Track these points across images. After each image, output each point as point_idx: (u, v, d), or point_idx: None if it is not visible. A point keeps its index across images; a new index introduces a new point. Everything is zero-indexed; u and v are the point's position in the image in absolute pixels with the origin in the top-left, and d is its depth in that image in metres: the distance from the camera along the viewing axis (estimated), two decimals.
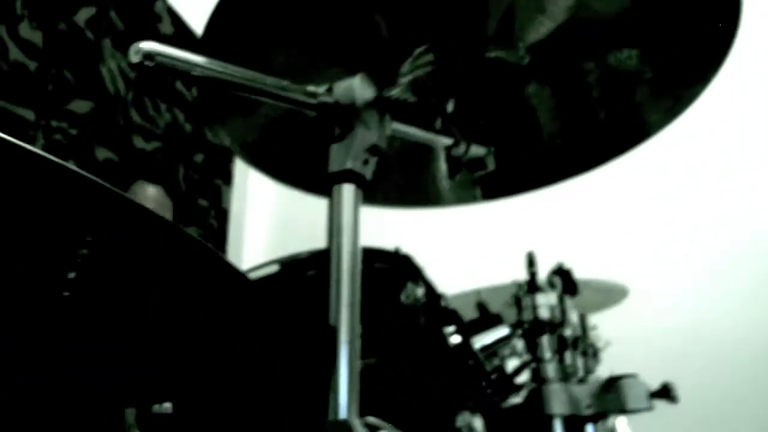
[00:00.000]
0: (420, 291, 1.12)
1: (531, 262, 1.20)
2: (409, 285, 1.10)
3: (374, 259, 1.09)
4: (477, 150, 1.00)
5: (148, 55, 0.51)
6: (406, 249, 1.09)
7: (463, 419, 1.02)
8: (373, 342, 1.01)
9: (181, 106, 2.84)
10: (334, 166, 0.68)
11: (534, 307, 1.14)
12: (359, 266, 0.66)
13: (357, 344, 0.65)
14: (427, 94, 0.99)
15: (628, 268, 2.33)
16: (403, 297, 1.08)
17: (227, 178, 3.09)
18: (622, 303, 2.12)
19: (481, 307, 1.15)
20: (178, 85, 2.84)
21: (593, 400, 1.11)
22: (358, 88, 0.68)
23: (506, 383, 1.20)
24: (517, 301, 1.17)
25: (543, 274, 2.22)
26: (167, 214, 1.93)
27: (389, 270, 1.08)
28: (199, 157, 2.94)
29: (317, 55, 1.02)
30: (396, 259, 1.10)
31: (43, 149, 2.20)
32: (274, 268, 1.04)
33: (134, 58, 0.50)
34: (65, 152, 2.29)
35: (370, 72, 1.00)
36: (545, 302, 1.15)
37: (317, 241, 2.81)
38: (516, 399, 1.20)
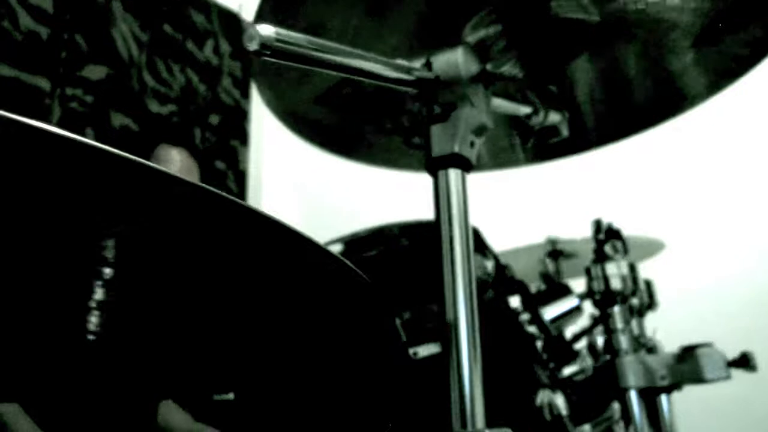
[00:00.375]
0: (489, 264, 1.08)
1: (598, 228, 1.15)
2: (478, 258, 1.05)
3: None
4: (553, 117, 0.94)
5: (266, 44, 0.44)
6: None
7: (542, 397, 0.98)
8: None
9: (194, 67, 2.76)
10: (437, 149, 0.62)
11: (605, 278, 1.10)
12: (473, 259, 0.61)
13: (478, 344, 0.60)
14: (494, 59, 0.92)
15: (663, 223, 2.29)
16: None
17: (243, 138, 3.02)
18: (657, 257, 2.08)
19: (548, 277, 1.10)
20: (190, 45, 2.75)
21: (668, 371, 1.07)
22: (462, 61, 0.62)
23: (565, 350, 1.16)
24: (587, 271, 1.13)
25: (577, 233, 2.18)
26: (193, 176, 1.88)
27: None
28: (214, 119, 2.87)
29: (376, 21, 0.95)
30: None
31: (60, 118, 2.13)
32: (337, 248, 0.99)
33: (250, 46, 0.44)
34: (82, 120, 2.22)
35: (433, 37, 0.94)
36: (616, 272, 1.10)
37: (335, 199, 2.76)
38: (576, 369, 1.17)
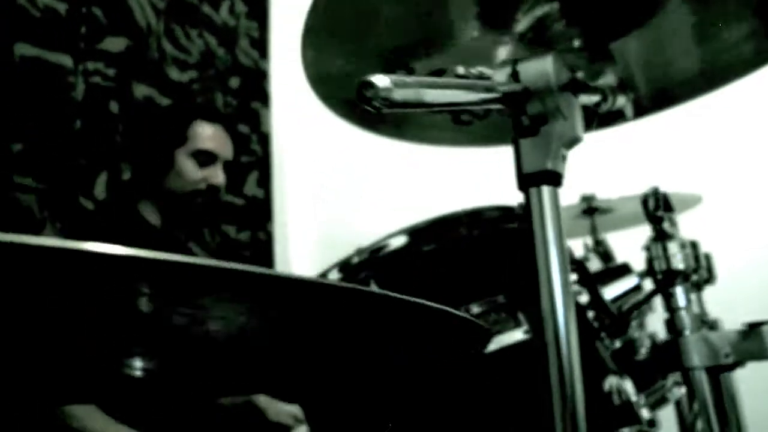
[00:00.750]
0: None
1: (656, 203, 1.11)
2: None
3: (503, 220, 1.02)
4: (620, 101, 0.90)
5: (386, 97, 0.42)
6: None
7: (610, 383, 0.97)
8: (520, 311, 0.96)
9: (212, 31, 2.69)
10: (527, 165, 0.59)
11: (666, 257, 1.07)
12: (570, 278, 0.59)
13: (577, 366, 0.59)
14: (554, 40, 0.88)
15: (700, 177, 2.25)
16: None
17: (264, 99, 2.98)
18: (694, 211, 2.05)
19: (606, 256, 1.08)
20: (206, 8, 2.68)
21: (732, 349, 1.06)
22: (553, 70, 0.59)
23: (619, 322, 1.15)
24: (647, 249, 1.10)
25: (614, 193, 2.15)
26: (227, 152, 1.86)
27: (522, 229, 1.01)
28: (234, 82, 2.82)
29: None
30: (522, 215, 1.02)
31: (85, 94, 2.10)
32: (402, 240, 0.97)
33: (374, 104, 0.41)
34: (106, 94, 2.18)
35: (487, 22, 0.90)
36: (678, 251, 1.07)
37: (360, 167, 2.71)
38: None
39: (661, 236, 1.09)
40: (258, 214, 2.85)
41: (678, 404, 1.49)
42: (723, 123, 2.39)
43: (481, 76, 0.62)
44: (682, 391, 1.26)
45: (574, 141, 0.60)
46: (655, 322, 1.27)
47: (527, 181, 0.59)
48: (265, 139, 2.94)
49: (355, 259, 0.97)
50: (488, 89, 0.58)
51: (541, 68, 0.59)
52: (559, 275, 0.58)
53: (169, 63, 2.47)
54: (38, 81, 1.96)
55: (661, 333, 1.14)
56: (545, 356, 0.58)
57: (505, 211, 1.04)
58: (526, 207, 0.60)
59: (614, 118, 0.94)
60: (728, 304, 1.26)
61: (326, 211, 2.94)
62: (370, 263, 0.96)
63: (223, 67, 2.75)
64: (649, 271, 1.10)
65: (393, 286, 0.96)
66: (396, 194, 2.80)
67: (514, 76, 0.60)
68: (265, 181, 2.90)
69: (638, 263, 1.16)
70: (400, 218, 2.85)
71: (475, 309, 0.95)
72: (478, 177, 2.22)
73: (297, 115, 2.98)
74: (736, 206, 2.35)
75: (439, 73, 1.05)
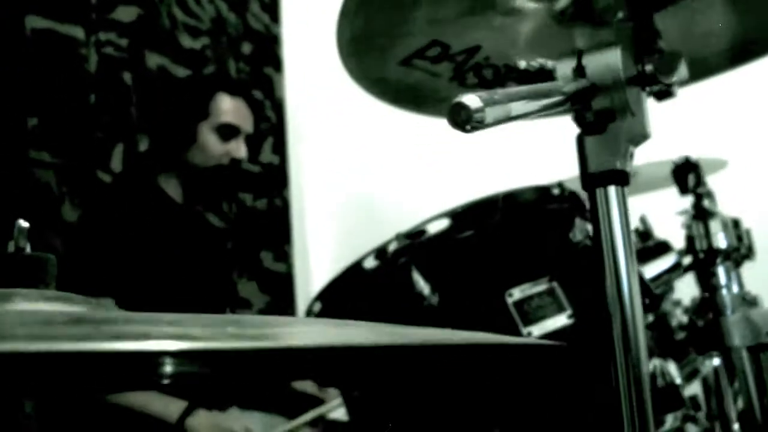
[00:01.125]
0: (590, 226, 1.04)
1: (698, 177, 1.08)
2: (578, 222, 1.01)
3: (544, 201, 0.99)
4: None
5: (478, 119, 0.39)
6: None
7: (654, 364, 0.96)
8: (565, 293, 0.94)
9: None
10: (594, 164, 0.57)
11: (708, 236, 1.05)
12: (637, 281, 0.57)
13: (647, 376, 0.57)
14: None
15: (725, 142, 2.20)
16: (577, 235, 0.99)
17: (277, 65, 2.92)
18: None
19: (645, 235, 1.06)
20: None
21: None
22: (622, 64, 0.56)
23: (656, 300, 1.14)
24: (688, 227, 1.08)
25: (640, 159, 2.11)
26: (249, 125, 1.83)
27: (560, 210, 0.99)
28: (246, 48, 2.77)
29: None
30: (565, 197, 1.00)
31: (98, 66, 2.06)
32: (442, 225, 0.95)
33: (467, 127, 0.39)
34: (119, 65, 2.14)
35: None
36: (719, 229, 1.05)
37: (376, 131, 2.66)
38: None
39: (701, 214, 1.07)
40: (274, 182, 2.82)
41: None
42: (748, 87, 2.33)
43: (542, 69, 0.59)
44: (715, 363, 1.25)
45: (642, 138, 0.58)
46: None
47: (593, 181, 0.57)
48: (279, 105, 2.89)
49: (392, 246, 0.95)
50: (561, 92, 0.55)
51: (609, 62, 0.56)
52: (628, 281, 0.56)
53: (181, 30, 2.42)
54: (51, 54, 1.92)
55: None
56: (611, 362, 0.57)
57: (542, 192, 1.02)
58: (592, 208, 0.57)
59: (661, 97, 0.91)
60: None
61: (342, 176, 2.91)
62: (409, 249, 0.94)
63: (235, 32, 2.70)
64: (689, 249, 1.08)
65: (433, 272, 0.95)
66: (412, 159, 2.76)
67: (580, 70, 0.57)
68: (281, 147, 2.87)
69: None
70: (417, 183, 2.83)
71: (517, 294, 0.93)
72: (501, 149, 2.18)
73: (310, 80, 2.93)
74: (763, 171, 2.31)
75: (475, 50, 1.02)
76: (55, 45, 1.92)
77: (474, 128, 0.41)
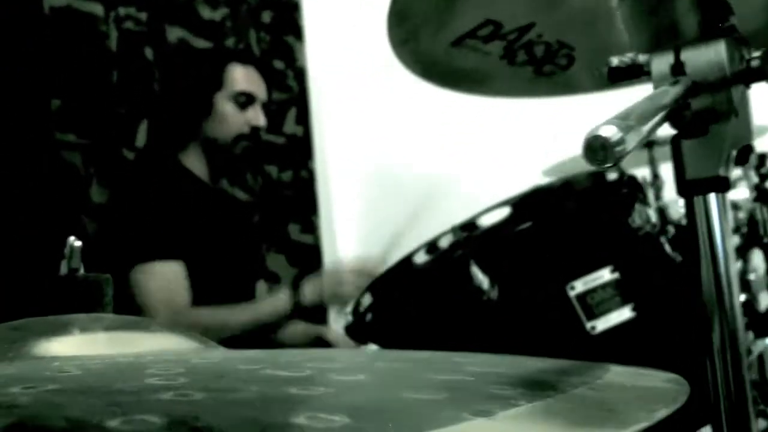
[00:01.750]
0: (651, 212, 0.99)
1: (761, 161, 1.04)
2: (638, 206, 0.96)
3: (601, 187, 0.95)
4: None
5: (621, 155, 0.35)
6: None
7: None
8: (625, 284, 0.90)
9: None
10: (692, 170, 0.52)
11: None
12: (739, 300, 0.53)
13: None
14: None
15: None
16: (636, 221, 0.94)
17: (298, 33, 2.85)
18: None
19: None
20: None
21: None
22: (728, 60, 0.50)
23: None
24: (751, 213, 1.03)
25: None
26: (263, 92, 1.80)
27: (619, 195, 0.94)
28: (266, 16, 2.70)
29: None
30: (625, 183, 0.95)
31: (119, 42, 2.01)
32: (498, 217, 0.90)
33: (607, 162, 0.35)
34: (139, 39, 2.09)
35: None
36: None
37: (400, 101, 2.59)
38: None
39: (762, 197, 1.02)
40: (299, 153, 2.78)
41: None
42: None
43: (634, 64, 0.54)
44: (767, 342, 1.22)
45: (745, 140, 0.53)
46: None
47: (691, 188, 0.52)
48: (300, 75, 2.83)
49: (445, 240, 0.91)
50: (674, 97, 0.50)
51: (714, 58, 0.51)
52: (730, 302, 0.52)
53: (200, 2, 2.36)
54: (71, 32, 1.87)
55: None
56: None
57: (599, 177, 0.97)
58: (689, 218, 0.53)
59: None
60: None
61: (367, 146, 2.86)
62: (465, 242, 0.90)
63: (254, 1, 2.62)
64: (750, 233, 1.03)
65: (491, 265, 0.91)
66: (436, 126, 2.70)
67: (679, 67, 0.52)
68: (304, 117, 2.81)
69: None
70: (441, 151, 2.76)
71: (580, 286, 0.89)
72: (526, 119, 2.12)
73: (332, 49, 2.86)
74: None
75: (528, 27, 0.96)
76: (75, 23, 1.87)
77: (615, 163, 0.36)
